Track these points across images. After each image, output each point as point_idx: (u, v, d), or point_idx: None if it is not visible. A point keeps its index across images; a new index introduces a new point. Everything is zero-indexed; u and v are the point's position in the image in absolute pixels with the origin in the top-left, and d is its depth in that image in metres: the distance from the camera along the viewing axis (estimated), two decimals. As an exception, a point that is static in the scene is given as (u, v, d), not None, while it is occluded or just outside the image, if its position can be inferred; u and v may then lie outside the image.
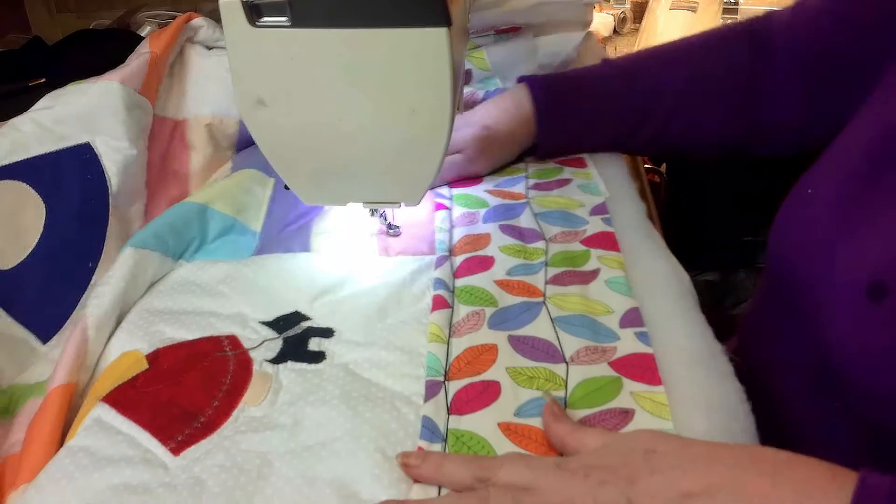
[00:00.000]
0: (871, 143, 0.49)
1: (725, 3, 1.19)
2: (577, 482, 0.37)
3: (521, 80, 0.73)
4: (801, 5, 0.66)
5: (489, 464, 0.40)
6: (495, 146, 0.71)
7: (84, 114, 0.64)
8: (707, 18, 1.06)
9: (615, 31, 1.31)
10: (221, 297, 0.56)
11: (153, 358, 0.50)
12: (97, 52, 0.97)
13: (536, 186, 0.68)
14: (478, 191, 0.68)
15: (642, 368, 0.46)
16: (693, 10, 1.06)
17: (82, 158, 0.63)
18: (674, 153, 0.74)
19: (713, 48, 0.70)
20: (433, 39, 0.45)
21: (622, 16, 1.20)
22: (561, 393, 0.45)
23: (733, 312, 1.05)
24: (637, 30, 1.17)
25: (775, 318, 0.49)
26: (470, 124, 0.71)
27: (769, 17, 0.69)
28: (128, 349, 0.51)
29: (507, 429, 0.43)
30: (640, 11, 1.19)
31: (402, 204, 0.58)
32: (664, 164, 1.08)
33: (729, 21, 1.18)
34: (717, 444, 0.38)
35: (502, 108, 0.71)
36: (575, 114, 0.70)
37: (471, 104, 0.79)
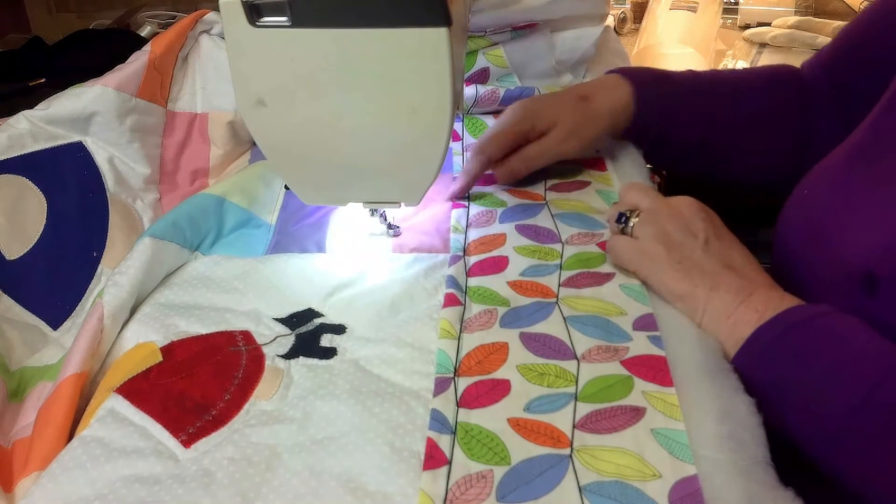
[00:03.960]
0: (862, 141, 0.51)
1: (725, 3, 1.19)
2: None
3: (608, 72, 0.68)
4: (824, 49, 0.66)
5: None
6: (592, 122, 0.64)
7: (76, 118, 0.65)
8: (707, 18, 1.06)
9: (615, 31, 1.31)
10: (236, 293, 0.56)
11: (167, 350, 0.50)
12: (97, 52, 0.97)
13: (555, 188, 0.67)
14: (496, 190, 0.67)
15: (654, 370, 0.45)
16: (693, 10, 1.05)
17: (76, 156, 0.64)
18: (716, 181, 0.73)
19: (767, 87, 0.68)
20: (433, 39, 0.46)
21: (622, 16, 1.20)
22: (571, 389, 0.45)
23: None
24: (637, 30, 1.17)
25: None
26: (556, 95, 0.64)
27: (804, 65, 0.69)
28: (143, 341, 0.51)
29: (517, 424, 0.43)
30: (640, 11, 1.19)
31: (402, 204, 0.58)
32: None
33: (729, 22, 1.18)
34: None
35: (594, 82, 0.65)
36: (672, 93, 0.66)
37: (489, 102, 0.79)
